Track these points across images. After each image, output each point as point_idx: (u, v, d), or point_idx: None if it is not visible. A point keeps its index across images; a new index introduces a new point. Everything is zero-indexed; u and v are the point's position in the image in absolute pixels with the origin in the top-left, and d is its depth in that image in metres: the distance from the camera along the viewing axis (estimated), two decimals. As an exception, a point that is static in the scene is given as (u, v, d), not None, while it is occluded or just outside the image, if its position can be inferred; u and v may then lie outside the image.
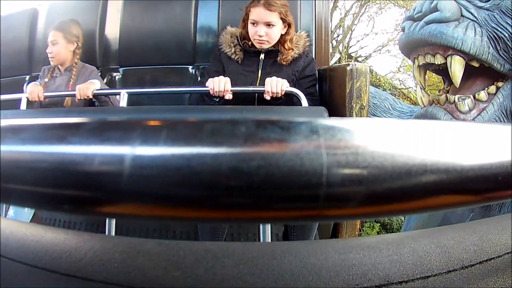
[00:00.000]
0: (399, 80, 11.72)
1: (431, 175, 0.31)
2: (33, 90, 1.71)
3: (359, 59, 12.16)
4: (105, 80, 2.17)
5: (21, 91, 2.14)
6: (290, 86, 1.61)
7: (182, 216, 0.32)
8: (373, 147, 0.29)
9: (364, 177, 0.29)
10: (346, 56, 11.70)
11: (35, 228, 0.45)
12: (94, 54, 2.20)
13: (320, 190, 0.28)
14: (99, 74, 2.17)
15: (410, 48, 2.46)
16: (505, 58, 2.15)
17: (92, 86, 1.71)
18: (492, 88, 2.23)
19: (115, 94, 1.85)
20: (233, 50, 1.73)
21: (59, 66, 1.99)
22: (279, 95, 1.56)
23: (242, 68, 1.73)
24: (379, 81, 11.88)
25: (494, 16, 2.15)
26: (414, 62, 2.53)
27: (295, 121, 0.30)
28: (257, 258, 0.41)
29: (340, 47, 11.75)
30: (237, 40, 1.75)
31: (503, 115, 2.14)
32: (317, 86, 1.79)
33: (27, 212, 1.64)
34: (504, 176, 0.34)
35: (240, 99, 1.61)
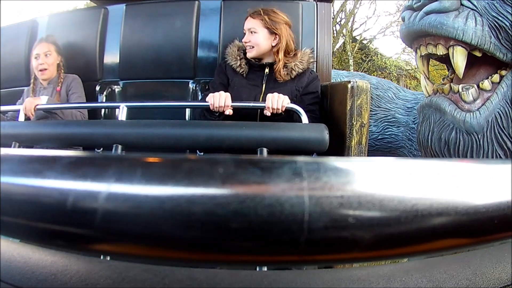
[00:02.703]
0: (405, 61, 11.70)
1: (429, 219, 0.29)
2: (26, 106, 1.72)
3: (364, 41, 12.24)
4: (104, 93, 2.17)
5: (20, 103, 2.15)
6: (293, 101, 1.60)
7: (153, 256, 0.30)
8: (360, 191, 0.27)
9: (349, 224, 0.27)
10: (351, 40, 11.74)
11: (23, 248, 0.44)
12: (94, 66, 2.20)
13: (300, 237, 0.26)
14: (99, 87, 2.18)
15: (411, 38, 2.43)
16: (507, 47, 2.11)
17: (37, 101, 1.74)
18: (496, 77, 2.19)
19: (115, 107, 1.84)
20: (238, 63, 1.75)
21: (41, 81, 2.01)
22: (280, 111, 1.54)
23: (247, 82, 1.73)
24: (385, 64, 11.92)
25: (494, 5, 2.12)
26: (416, 52, 2.50)
27: (278, 161, 0.28)
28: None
29: (344, 32, 11.82)
30: (243, 53, 1.77)
31: (507, 105, 2.10)
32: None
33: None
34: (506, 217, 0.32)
35: (242, 113, 1.60)
